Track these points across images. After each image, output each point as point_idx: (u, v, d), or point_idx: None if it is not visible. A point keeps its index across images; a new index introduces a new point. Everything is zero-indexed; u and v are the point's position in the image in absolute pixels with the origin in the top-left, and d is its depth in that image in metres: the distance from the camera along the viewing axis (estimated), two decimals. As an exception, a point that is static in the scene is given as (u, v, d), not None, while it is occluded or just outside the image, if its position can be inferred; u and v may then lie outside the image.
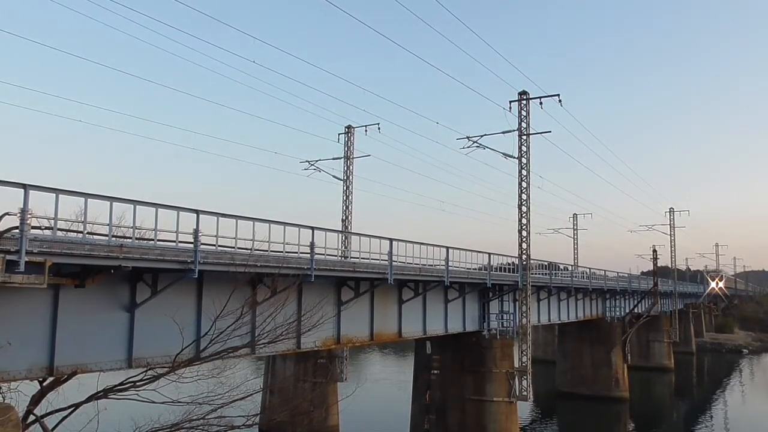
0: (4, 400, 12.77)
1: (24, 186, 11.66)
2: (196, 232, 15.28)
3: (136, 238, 14.61)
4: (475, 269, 31.49)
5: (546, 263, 41.06)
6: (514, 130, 33.97)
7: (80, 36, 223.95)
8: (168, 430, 13.76)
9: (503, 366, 32.07)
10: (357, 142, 40.57)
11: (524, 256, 33.34)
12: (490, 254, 31.18)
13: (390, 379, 58.14)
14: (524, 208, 33.63)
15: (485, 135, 34.55)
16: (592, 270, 52.12)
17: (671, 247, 77.11)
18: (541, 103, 34.01)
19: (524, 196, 33.67)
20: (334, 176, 40.31)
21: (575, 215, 73.10)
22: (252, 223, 17.74)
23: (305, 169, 40.25)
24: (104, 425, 13.78)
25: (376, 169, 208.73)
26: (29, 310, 13.51)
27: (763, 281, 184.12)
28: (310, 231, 19.78)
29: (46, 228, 13.15)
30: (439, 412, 32.08)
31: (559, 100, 33.62)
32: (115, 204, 13.73)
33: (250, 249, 17.76)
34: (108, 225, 13.67)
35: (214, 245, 16.67)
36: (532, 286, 34.18)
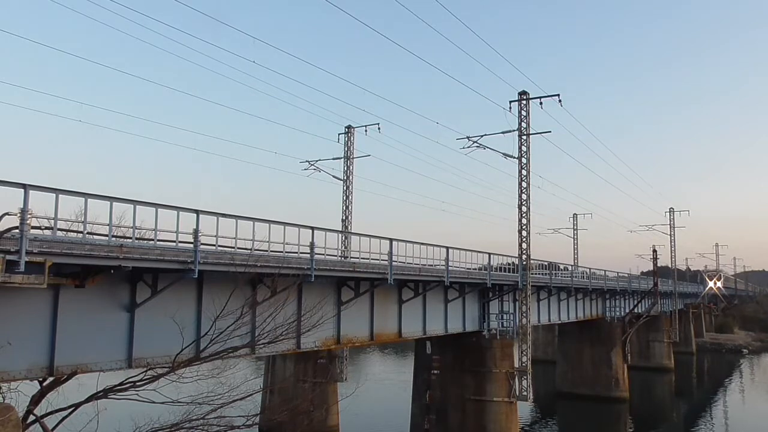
0: (4, 400, 12.79)
1: (24, 186, 11.67)
2: (196, 232, 15.29)
3: (136, 238, 14.62)
4: (475, 269, 31.50)
5: (546, 263, 41.07)
6: (514, 130, 33.99)
7: (80, 36, 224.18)
8: (168, 430, 13.77)
9: (503, 366, 32.07)
10: (357, 142, 40.68)
11: (524, 256, 33.35)
12: (490, 254, 31.20)
13: (390, 379, 58.13)
14: (524, 208, 33.65)
15: (485, 135, 34.62)
16: (592, 270, 52.27)
17: (671, 247, 77.18)
18: (541, 103, 34.06)
19: (524, 196, 33.68)
20: (334, 176, 40.38)
21: (575, 215, 73.12)
22: (252, 223, 17.75)
23: (305, 169, 40.32)
24: (104, 425, 13.79)
25: (376, 169, 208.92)
26: (29, 310, 13.51)
27: (763, 281, 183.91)
28: (310, 231, 19.79)
29: (46, 228, 13.16)
30: (440, 412, 32.08)
31: (559, 100, 33.67)
32: (115, 204, 13.74)
33: (250, 249, 17.77)
34: (108, 225, 13.68)
35: (214, 245, 16.68)
36: (532, 286, 34.19)
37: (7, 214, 11.16)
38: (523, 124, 33.93)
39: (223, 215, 16.58)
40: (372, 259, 23.49)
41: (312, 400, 33.65)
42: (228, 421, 14.62)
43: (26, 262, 11.29)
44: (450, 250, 27.15)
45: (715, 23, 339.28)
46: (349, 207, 40.29)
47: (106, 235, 13.71)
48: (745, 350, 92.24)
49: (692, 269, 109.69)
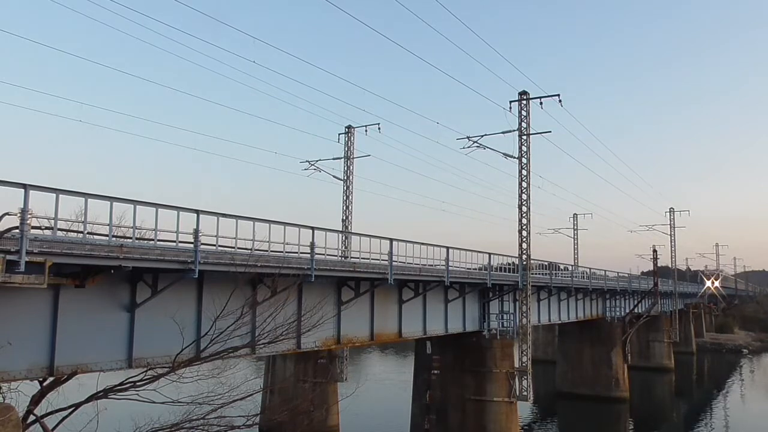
0: (4, 400, 12.78)
1: (24, 186, 11.67)
2: (196, 232, 15.29)
3: (137, 238, 14.63)
4: (475, 269, 31.51)
5: (546, 263, 41.08)
6: (514, 130, 33.99)
7: (80, 36, 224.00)
8: (168, 430, 13.78)
9: (503, 366, 32.07)
10: (357, 142, 40.68)
11: (524, 256, 33.34)
12: (490, 254, 31.20)
13: (390, 379, 58.13)
14: (524, 208, 33.65)
15: (485, 135, 34.62)
16: (592, 270, 52.26)
17: (671, 247, 77.20)
18: (541, 103, 34.04)
19: (524, 196, 33.68)
20: (334, 176, 40.39)
21: (575, 215, 73.13)
22: (252, 223, 17.76)
23: (305, 169, 40.33)
24: (104, 425, 13.79)
25: (376, 169, 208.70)
26: (29, 310, 13.51)
27: (763, 281, 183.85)
28: (310, 231, 19.78)
29: (47, 228, 13.16)
30: (440, 412, 32.07)
31: (559, 100, 33.67)
32: (115, 204, 13.75)
33: (251, 249, 17.77)
34: (108, 225, 13.68)
35: (215, 245, 16.67)
36: (532, 286, 34.18)
37: (7, 214, 11.16)
38: (523, 124, 33.93)
39: (224, 215, 16.58)
40: (372, 259, 23.49)
41: (312, 400, 33.64)
42: (228, 421, 14.64)
43: (26, 262, 11.28)
44: (450, 250, 27.15)
45: (715, 23, 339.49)
46: (350, 207, 40.31)
47: (107, 235, 13.71)
48: (745, 350, 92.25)
49: (692, 269, 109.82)
